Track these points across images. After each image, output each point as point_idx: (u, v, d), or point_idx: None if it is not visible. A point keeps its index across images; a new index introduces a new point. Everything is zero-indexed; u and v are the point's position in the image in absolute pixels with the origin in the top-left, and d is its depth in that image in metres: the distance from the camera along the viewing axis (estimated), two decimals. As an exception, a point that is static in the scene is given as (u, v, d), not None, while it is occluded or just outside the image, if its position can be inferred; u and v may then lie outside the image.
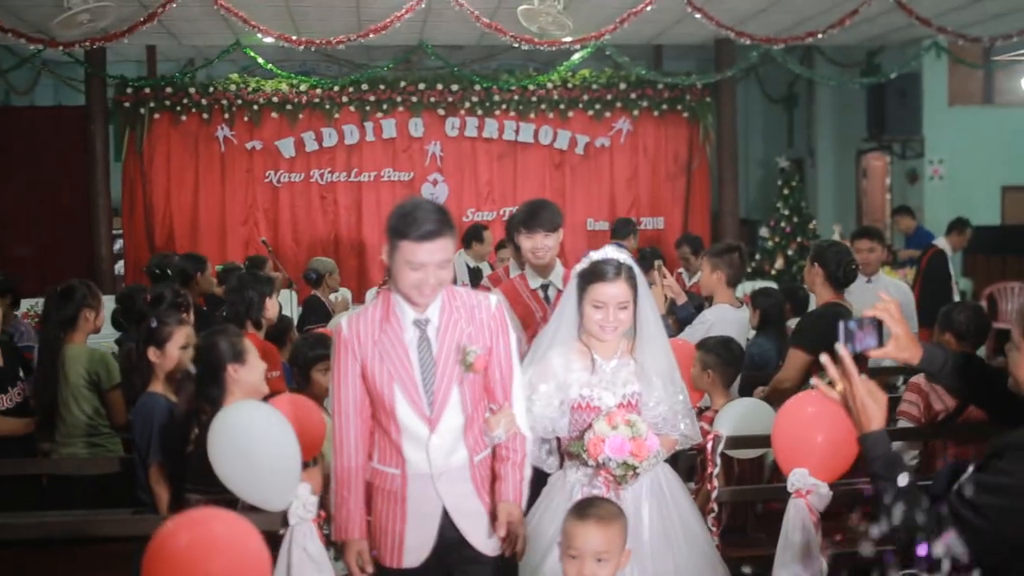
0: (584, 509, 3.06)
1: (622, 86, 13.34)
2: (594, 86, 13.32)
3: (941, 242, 10.50)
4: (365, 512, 3.51)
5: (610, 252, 3.82)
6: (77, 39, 10.20)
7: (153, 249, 12.63)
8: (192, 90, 12.92)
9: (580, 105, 13.36)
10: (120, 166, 13.06)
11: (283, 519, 3.36)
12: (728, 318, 5.54)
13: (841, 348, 2.70)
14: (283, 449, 3.31)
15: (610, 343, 3.81)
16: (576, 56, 12.50)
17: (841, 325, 2.77)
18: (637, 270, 3.83)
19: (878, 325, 2.80)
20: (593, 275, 3.77)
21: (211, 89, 12.97)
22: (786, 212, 13.84)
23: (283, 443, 3.31)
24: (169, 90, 12.91)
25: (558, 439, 3.91)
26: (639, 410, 3.75)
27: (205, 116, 13.02)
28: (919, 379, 4.64)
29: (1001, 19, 11.52)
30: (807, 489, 3.56)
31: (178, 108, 12.95)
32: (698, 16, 10.30)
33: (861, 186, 15.74)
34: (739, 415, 4.45)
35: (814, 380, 3.00)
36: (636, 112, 13.51)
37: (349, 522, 3.45)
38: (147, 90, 12.91)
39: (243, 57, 12.71)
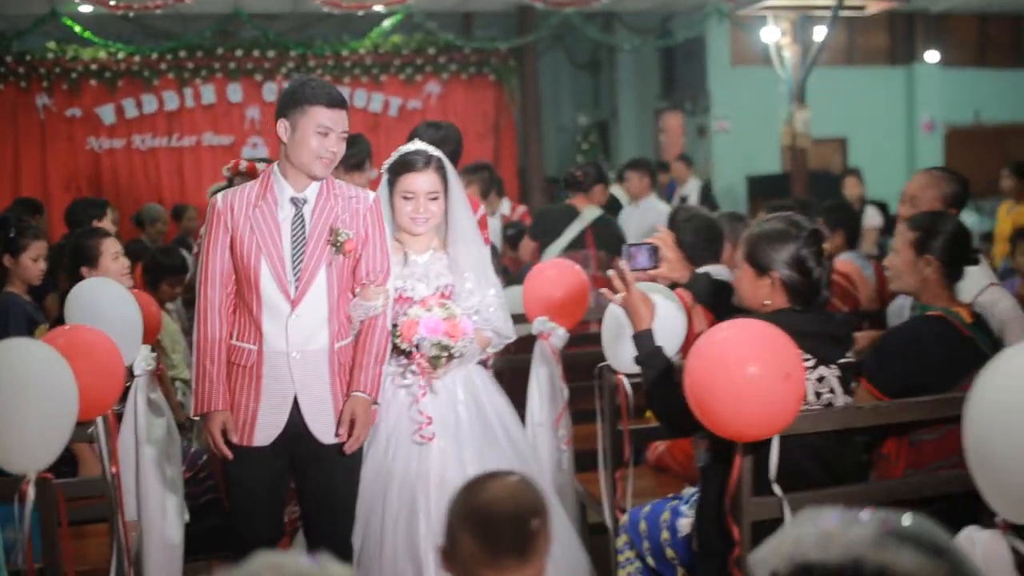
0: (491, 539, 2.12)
1: (431, 51, 14.07)
2: (404, 51, 14.01)
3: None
4: (227, 384, 3.47)
5: (419, 144, 3.83)
6: None
7: (-27, 218, 12.75)
8: (8, 59, 13.04)
9: (392, 70, 14.03)
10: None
11: (129, 372, 3.79)
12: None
13: (624, 264, 3.31)
14: (129, 316, 3.94)
15: (423, 238, 3.80)
16: (387, 23, 13.20)
17: (624, 247, 3.44)
18: (447, 162, 3.83)
19: (654, 250, 3.45)
20: (402, 166, 3.75)
21: (28, 58, 13.11)
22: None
23: (129, 312, 3.94)
24: (-15, 60, 13.02)
25: None
26: (453, 300, 3.75)
27: (23, 84, 13.16)
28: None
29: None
30: (548, 332, 4.27)
31: (-6, 78, 13.08)
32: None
33: (659, 142, 16.92)
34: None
35: (602, 290, 3.50)
36: (445, 76, 14.27)
37: (213, 393, 3.42)
38: (-39, 60, 12.98)
39: (57, 27, 12.85)
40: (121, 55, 13.26)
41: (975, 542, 2.07)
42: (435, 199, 3.73)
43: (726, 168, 15.09)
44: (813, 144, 14.83)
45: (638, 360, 3.25)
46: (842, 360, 3.09)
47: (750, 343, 2.73)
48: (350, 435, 3.45)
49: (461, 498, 2.01)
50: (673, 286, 3.83)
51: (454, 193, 3.82)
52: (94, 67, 13.24)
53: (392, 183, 3.77)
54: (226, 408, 3.43)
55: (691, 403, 2.78)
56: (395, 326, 3.62)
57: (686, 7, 14.40)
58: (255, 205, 3.44)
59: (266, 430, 3.43)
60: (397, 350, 3.65)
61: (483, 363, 4.02)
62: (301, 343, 3.41)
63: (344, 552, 3.54)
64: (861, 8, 9.71)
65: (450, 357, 3.59)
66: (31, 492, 2.80)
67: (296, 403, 3.43)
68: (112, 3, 10.72)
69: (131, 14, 11.05)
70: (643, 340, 3.23)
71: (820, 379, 3.01)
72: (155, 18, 11.48)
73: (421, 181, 3.71)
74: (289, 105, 3.39)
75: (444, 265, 3.82)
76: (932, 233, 3.41)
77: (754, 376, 2.66)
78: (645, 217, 7.73)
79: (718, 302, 3.71)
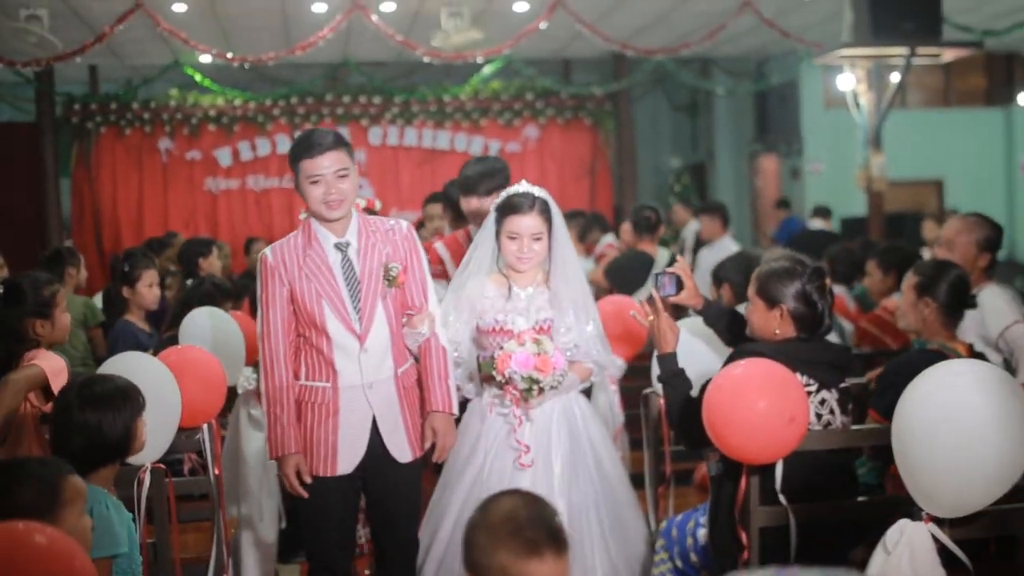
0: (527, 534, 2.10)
1: (529, 96, 14.65)
2: (503, 96, 14.61)
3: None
4: (299, 427, 3.63)
5: (525, 186, 3.97)
6: (29, 60, 11.22)
7: (102, 255, 13.67)
8: (135, 106, 14.01)
9: (491, 114, 14.64)
10: (69, 179, 14.06)
11: (233, 390, 4.31)
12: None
13: (653, 292, 3.76)
14: (233, 340, 4.49)
15: (526, 274, 3.96)
16: (486, 69, 13.83)
17: (655, 276, 3.91)
18: (552, 203, 3.96)
19: (679, 279, 3.91)
20: (509, 208, 3.89)
21: (152, 104, 14.06)
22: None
23: (233, 336, 4.49)
24: (113, 106, 13.99)
25: (479, 365, 4.04)
26: (551, 335, 3.90)
27: (147, 130, 14.10)
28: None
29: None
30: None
31: (122, 123, 14.02)
32: (587, 32, 11.57)
33: (754, 184, 17.20)
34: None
35: (631, 313, 4.03)
36: (543, 120, 14.83)
37: (285, 437, 3.58)
38: (93, 106, 13.96)
39: (179, 75, 13.81)
40: (237, 101, 14.17)
41: (904, 532, 2.46)
42: (539, 239, 3.88)
43: (820, 208, 15.30)
44: (909, 186, 15.05)
45: (660, 379, 3.67)
46: (842, 385, 3.47)
47: (762, 386, 3.14)
48: (432, 448, 3.69)
49: (480, 520, 2.13)
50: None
51: (558, 232, 3.96)
52: (212, 113, 14.15)
53: (499, 223, 3.93)
54: (299, 451, 3.59)
55: (707, 428, 3.20)
56: (492, 357, 3.83)
57: (780, 51, 14.68)
58: (305, 255, 3.63)
59: (348, 459, 3.64)
60: (493, 380, 3.84)
61: (585, 394, 4.21)
62: (373, 374, 3.63)
63: (413, 549, 3.82)
64: (937, 56, 9.94)
65: (541, 390, 3.74)
66: (147, 479, 3.35)
67: (375, 428, 3.64)
68: (229, 56, 11.47)
69: (247, 66, 11.80)
70: (667, 362, 3.66)
71: (822, 402, 3.40)
72: (269, 66, 12.24)
73: (526, 223, 3.86)
74: (289, 164, 3.63)
75: (546, 300, 3.97)
76: (933, 279, 3.80)
77: (763, 414, 3.08)
78: (718, 258, 8.09)
79: (731, 329, 4.03)
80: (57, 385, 3.46)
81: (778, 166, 16.48)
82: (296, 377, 3.67)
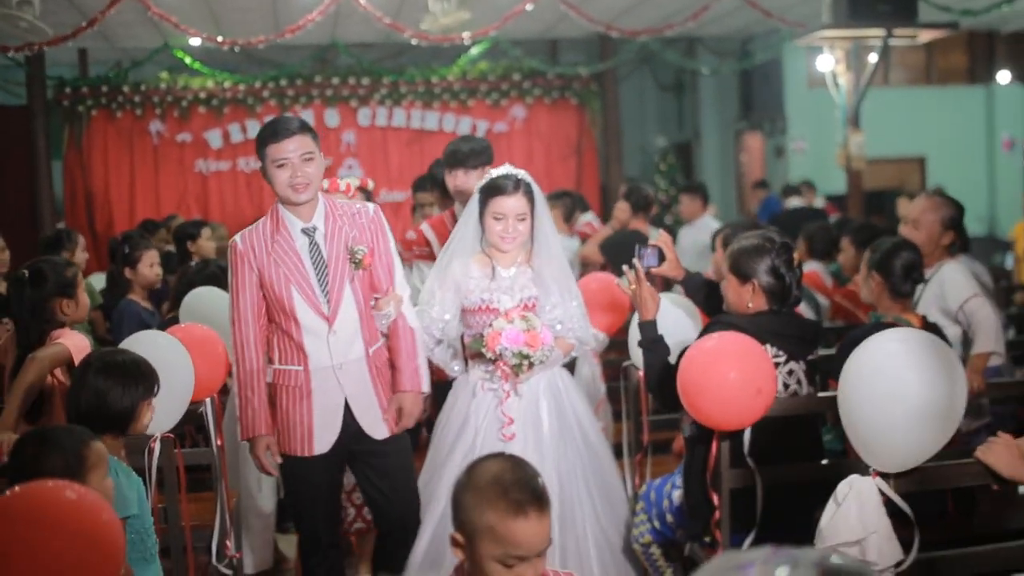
0: (512, 496, 2.23)
1: (516, 77, 14.81)
2: (491, 77, 14.77)
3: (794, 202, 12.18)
4: (269, 410, 3.76)
5: (509, 168, 4.09)
6: (22, 45, 11.32)
7: (95, 237, 13.81)
8: (126, 89, 14.12)
9: (479, 95, 14.79)
10: (61, 162, 14.16)
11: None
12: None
13: (636, 263, 3.98)
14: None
15: (510, 253, 4.07)
16: (473, 51, 13.99)
17: (637, 248, 4.11)
18: (534, 185, 4.09)
19: (660, 251, 4.15)
20: (494, 189, 4.01)
21: (143, 87, 14.18)
22: (663, 186, 15.49)
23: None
24: (104, 89, 14.09)
25: (463, 344, 4.19)
26: (536, 312, 4.04)
27: (138, 112, 14.21)
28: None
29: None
30: None
31: (113, 106, 14.13)
32: (572, 14, 11.73)
33: (740, 162, 17.39)
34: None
35: (616, 281, 4.31)
36: (530, 100, 14.99)
37: (256, 419, 3.72)
38: (84, 90, 14.08)
39: (168, 58, 13.91)
40: (227, 84, 14.28)
41: (852, 485, 2.68)
42: (523, 220, 4.01)
43: (805, 188, 15.52)
44: (892, 163, 15.25)
45: (641, 344, 3.90)
46: (810, 357, 3.70)
47: (733, 358, 3.37)
48: (398, 424, 3.84)
49: (468, 482, 2.26)
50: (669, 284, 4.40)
51: (540, 213, 4.10)
52: (202, 95, 14.27)
53: (483, 204, 4.05)
54: (269, 432, 3.74)
55: (681, 397, 3.43)
56: (481, 336, 3.96)
57: (763, 31, 14.83)
58: (273, 240, 3.72)
59: (324, 438, 3.77)
60: (483, 357, 3.98)
61: (568, 367, 4.37)
62: (343, 355, 3.75)
63: (409, 530, 3.94)
64: (913, 37, 10.13)
65: (530, 365, 3.89)
66: (157, 447, 3.56)
67: (347, 408, 3.78)
68: (219, 39, 11.59)
69: (237, 49, 11.93)
70: (647, 328, 3.90)
71: (790, 372, 3.63)
72: (258, 48, 12.35)
73: (511, 203, 3.99)
74: (256, 151, 3.74)
75: (529, 279, 4.09)
76: (885, 256, 4.03)
77: (732, 386, 3.31)
78: (698, 236, 8.35)
79: (709, 300, 4.24)
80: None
81: (762, 144, 16.67)
82: (270, 361, 3.80)
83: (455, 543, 2.26)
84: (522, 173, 4.09)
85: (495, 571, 2.19)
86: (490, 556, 2.18)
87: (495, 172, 4.09)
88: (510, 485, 2.21)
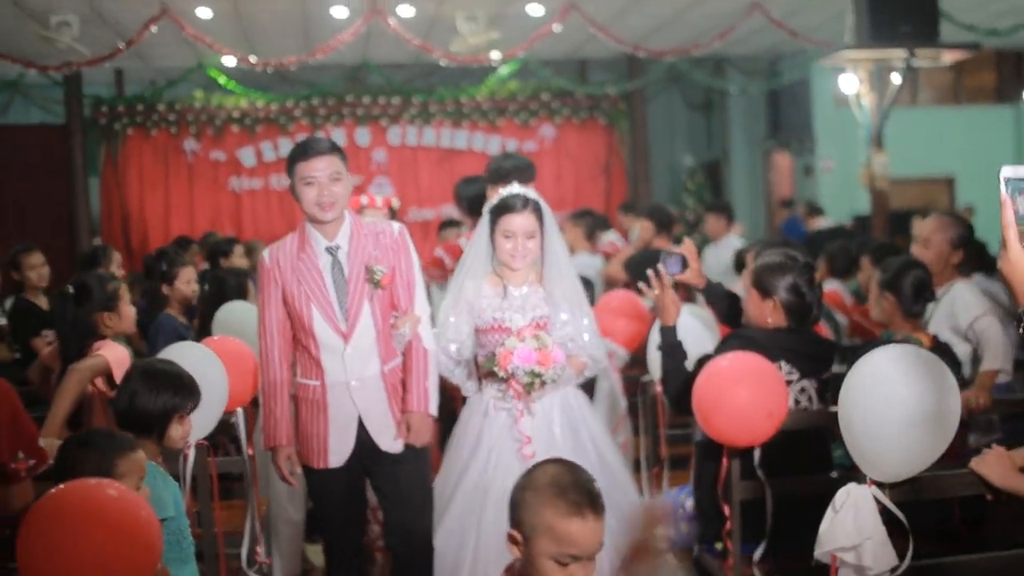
0: (570, 496, 2.31)
1: (545, 96, 14.98)
2: (519, 97, 14.94)
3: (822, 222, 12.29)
4: (291, 421, 3.86)
5: (518, 188, 4.16)
6: (61, 64, 11.62)
7: (131, 254, 14.03)
8: (160, 107, 14.41)
9: (507, 114, 14.98)
10: (97, 179, 14.44)
11: None
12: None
13: (661, 268, 4.10)
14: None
15: (520, 272, 4.11)
16: (503, 70, 14.17)
17: (662, 254, 4.25)
18: (544, 204, 4.13)
19: (684, 259, 4.27)
20: (503, 208, 4.07)
21: (177, 106, 14.45)
22: (690, 205, 15.59)
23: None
24: (140, 108, 14.40)
25: (476, 363, 4.21)
26: (548, 331, 4.05)
27: (173, 131, 14.51)
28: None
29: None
30: (610, 353, 4.96)
31: (148, 124, 14.43)
32: (601, 35, 11.88)
33: (768, 181, 17.46)
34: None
35: (640, 284, 4.36)
36: (559, 120, 15.16)
37: (277, 430, 3.83)
38: (120, 108, 14.37)
39: (202, 77, 14.17)
40: (260, 103, 14.55)
41: (850, 494, 2.80)
42: (532, 237, 4.06)
43: (833, 207, 15.54)
44: (920, 183, 15.26)
45: (660, 347, 4.03)
46: (824, 376, 3.82)
47: (747, 381, 3.49)
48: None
49: (528, 483, 2.34)
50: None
51: (549, 231, 4.14)
52: (236, 114, 14.55)
53: (493, 223, 4.11)
54: (290, 443, 3.84)
55: (696, 412, 3.56)
56: (493, 355, 3.98)
57: (791, 50, 14.90)
58: (298, 257, 3.80)
59: (339, 452, 3.85)
60: (495, 376, 4.00)
61: (587, 386, 4.44)
62: (358, 372, 3.81)
63: (423, 546, 3.97)
64: (936, 58, 10.19)
65: (542, 383, 3.91)
66: (192, 454, 3.72)
67: (361, 424, 3.84)
68: (252, 59, 11.83)
69: (269, 70, 12.16)
70: (667, 333, 4.05)
71: (802, 390, 3.75)
72: (291, 68, 12.56)
73: (520, 222, 4.04)
74: (287, 168, 3.81)
75: (540, 297, 4.12)
76: (895, 276, 4.14)
77: (744, 407, 3.45)
78: (721, 255, 8.47)
79: (731, 312, 4.34)
80: (120, 372, 3.80)
81: (791, 163, 16.73)
82: (294, 374, 3.90)
83: (512, 540, 2.33)
84: (531, 192, 4.16)
85: (550, 569, 2.26)
86: (546, 554, 2.26)
87: (505, 192, 4.16)
88: (568, 486, 2.29)
